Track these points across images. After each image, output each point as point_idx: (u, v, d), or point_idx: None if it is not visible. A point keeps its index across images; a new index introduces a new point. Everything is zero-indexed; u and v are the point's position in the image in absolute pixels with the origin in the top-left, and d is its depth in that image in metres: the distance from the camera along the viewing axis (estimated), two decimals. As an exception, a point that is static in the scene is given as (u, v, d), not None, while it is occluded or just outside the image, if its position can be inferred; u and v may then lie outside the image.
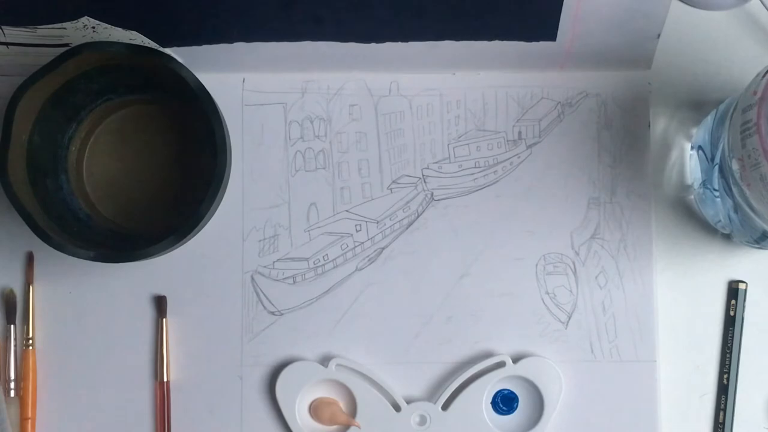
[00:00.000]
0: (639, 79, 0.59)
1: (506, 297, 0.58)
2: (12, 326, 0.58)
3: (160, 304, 0.58)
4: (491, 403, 0.57)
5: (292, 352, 0.58)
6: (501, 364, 0.57)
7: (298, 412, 0.57)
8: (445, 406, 0.57)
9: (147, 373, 0.58)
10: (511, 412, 0.57)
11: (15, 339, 0.58)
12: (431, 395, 0.57)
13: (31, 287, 0.58)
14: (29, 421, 0.57)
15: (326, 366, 0.57)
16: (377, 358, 0.58)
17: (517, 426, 0.57)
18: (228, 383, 0.58)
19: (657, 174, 0.59)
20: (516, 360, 0.57)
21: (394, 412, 0.57)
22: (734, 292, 0.58)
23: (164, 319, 0.58)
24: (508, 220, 0.58)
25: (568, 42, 0.56)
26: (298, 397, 0.57)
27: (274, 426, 0.57)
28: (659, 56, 0.58)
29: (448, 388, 0.57)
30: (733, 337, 0.58)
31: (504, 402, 0.57)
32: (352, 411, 0.57)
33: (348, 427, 0.57)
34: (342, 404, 0.57)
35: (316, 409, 0.57)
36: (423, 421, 0.57)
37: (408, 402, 0.57)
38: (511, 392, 0.57)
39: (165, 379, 0.57)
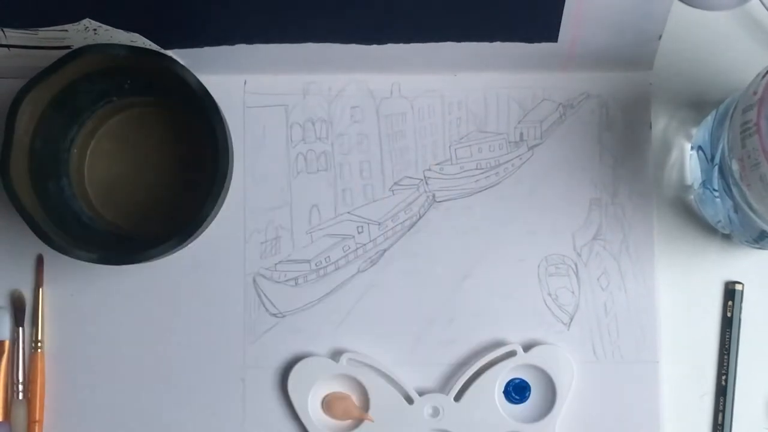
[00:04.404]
0: (640, 80, 0.59)
1: (508, 298, 0.58)
2: (20, 328, 0.58)
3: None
4: (503, 392, 0.57)
5: (294, 354, 0.58)
6: (512, 353, 0.57)
7: (310, 407, 0.57)
8: (458, 397, 0.57)
9: (151, 375, 0.58)
10: (524, 401, 0.57)
11: (23, 341, 0.58)
12: (443, 387, 0.58)
13: (41, 290, 0.58)
14: (37, 423, 0.57)
15: (338, 361, 0.57)
16: (379, 360, 0.58)
17: (530, 414, 0.57)
18: (230, 385, 0.58)
19: (657, 174, 0.59)
20: (527, 348, 0.57)
21: (407, 404, 0.57)
22: (731, 293, 0.58)
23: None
24: (509, 221, 0.58)
25: (569, 43, 0.56)
26: (311, 393, 0.57)
27: (277, 428, 0.57)
28: (659, 56, 0.58)
29: (460, 379, 0.57)
30: (730, 338, 0.58)
31: (516, 391, 0.57)
32: (365, 405, 0.57)
33: (361, 421, 0.57)
34: (354, 398, 0.57)
35: (328, 404, 0.57)
36: (436, 412, 0.57)
37: (420, 394, 0.57)
38: (523, 381, 0.57)
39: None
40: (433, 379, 0.58)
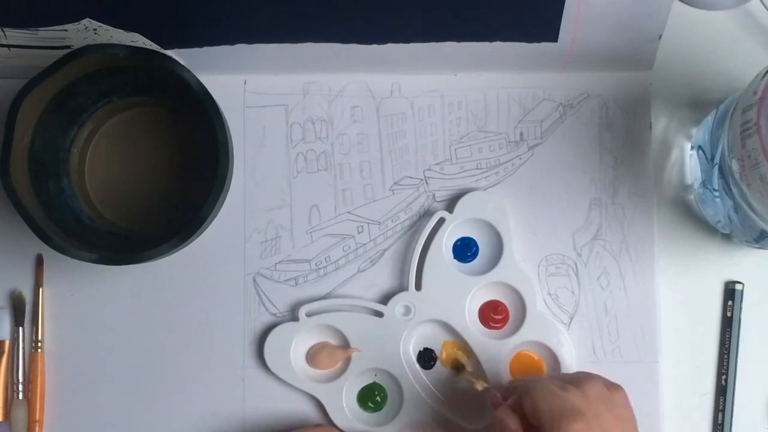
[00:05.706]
0: (640, 80, 0.59)
1: (508, 298, 0.58)
2: (20, 328, 0.58)
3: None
4: (453, 253, 0.58)
5: (294, 354, 0.58)
6: (442, 222, 0.57)
7: (298, 370, 0.57)
8: (418, 287, 0.57)
9: (151, 375, 0.58)
10: (474, 257, 0.58)
11: (23, 341, 0.58)
12: (402, 287, 0.58)
13: (41, 289, 0.58)
14: (37, 423, 0.57)
15: (298, 319, 0.57)
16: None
17: (483, 265, 0.58)
18: (230, 385, 0.58)
19: (657, 174, 0.59)
20: (451, 208, 0.57)
21: (379, 318, 0.57)
22: (731, 292, 0.58)
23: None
24: (510, 221, 0.58)
25: (569, 43, 0.56)
26: (292, 359, 0.57)
27: (277, 428, 0.57)
28: (659, 56, 0.58)
29: (411, 271, 0.57)
30: (730, 338, 0.58)
31: (464, 249, 0.58)
32: (345, 341, 0.57)
33: (350, 356, 0.57)
34: (333, 342, 0.58)
35: (313, 359, 0.57)
36: (407, 311, 0.57)
37: (384, 303, 0.57)
38: (465, 238, 0.58)
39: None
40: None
